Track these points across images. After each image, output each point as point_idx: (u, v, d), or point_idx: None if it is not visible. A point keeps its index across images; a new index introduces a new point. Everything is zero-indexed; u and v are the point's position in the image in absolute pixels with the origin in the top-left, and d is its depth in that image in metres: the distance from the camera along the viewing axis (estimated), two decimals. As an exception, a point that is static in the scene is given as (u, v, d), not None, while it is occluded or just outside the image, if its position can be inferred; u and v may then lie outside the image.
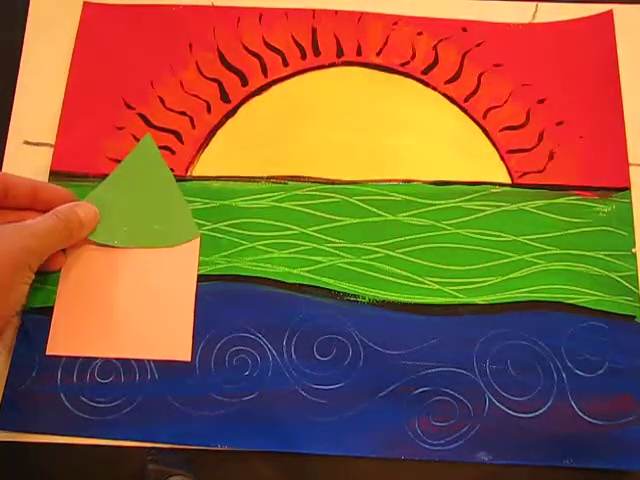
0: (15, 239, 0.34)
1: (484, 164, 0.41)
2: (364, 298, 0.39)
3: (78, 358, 0.37)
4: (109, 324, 0.38)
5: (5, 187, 0.36)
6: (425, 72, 0.43)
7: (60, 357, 0.37)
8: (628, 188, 0.41)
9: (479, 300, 0.39)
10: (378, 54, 0.43)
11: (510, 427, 0.36)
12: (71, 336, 0.37)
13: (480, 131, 0.42)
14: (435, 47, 0.44)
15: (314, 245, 0.40)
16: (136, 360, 0.37)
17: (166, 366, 0.37)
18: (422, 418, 0.36)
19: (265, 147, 0.41)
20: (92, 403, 0.36)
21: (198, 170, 0.41)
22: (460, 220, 0.40)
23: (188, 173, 0.41)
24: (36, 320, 0.38)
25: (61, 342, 0.37)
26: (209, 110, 0.42)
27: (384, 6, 0.44)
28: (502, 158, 0.41)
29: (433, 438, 0.36)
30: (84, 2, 0.44)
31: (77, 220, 0.37)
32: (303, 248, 0.39)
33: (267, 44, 0.44)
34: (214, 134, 0.42)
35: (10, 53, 0.44)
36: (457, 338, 0.38)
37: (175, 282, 0.38)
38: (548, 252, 0.39)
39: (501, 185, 0.41)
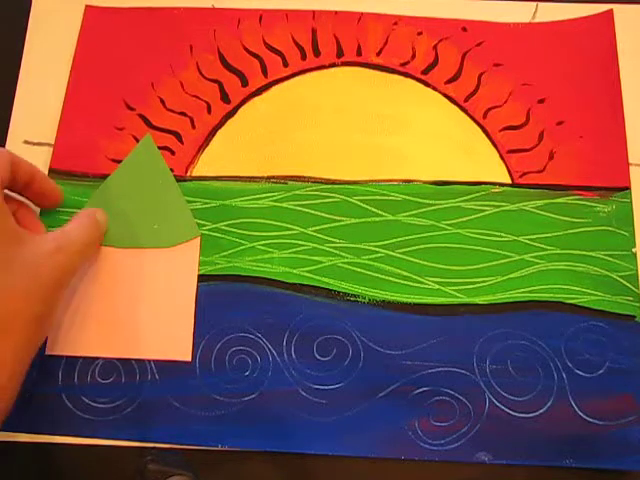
0: (58, 259, 0.33)
1: (484, 164, 0.41)
2: (364, 298, 0.39)
3: (79, 358, 0.37)
4: (109, 324, 0.38)
5: (16, 168, 0.35)
6: (425, 72, 0.43)
7: (61, 357, 0.37)
8: (628, 188, 0.40)
9: (479, 300, 0.38)
10: (378, 54, 0.43)
11: (510, 427, 0.36)
12: (71, 336, 0.37)
13: (480, 131, 0.42)
14: (435, 47, 0.44)
15: (314, 245, 0.40)
16: (137, 360, 0.37)
17: (166, 366, 0.37)
18: (422, 418, 0.36)
19: (265, 147, 0.41)
20: (93, 403, 0.36)
21: (198, 170, 0.41)
22: (460, 220, 0.40)
23: (188, 173, 0.41)
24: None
25: (61, 342, 0.37)
26: (209, 110, 0.42)
27: (384, 6, 0.44)
28: (502, 158, 0.41)
29: (433, 438, 0.36)
30: (86, 5, 0.44)
31: (100, 228, 0.37)
32: (303, 248, 0.39)
33: (267, 45, 0.44)
34: (214, 134, 0.42)
35: (11, 53, 0.44)
36: (457, 338, 0.38)
37: (175, 282, 0.38)
38: (548, 252, 0.39)
39: (501, 185, 0.41)
